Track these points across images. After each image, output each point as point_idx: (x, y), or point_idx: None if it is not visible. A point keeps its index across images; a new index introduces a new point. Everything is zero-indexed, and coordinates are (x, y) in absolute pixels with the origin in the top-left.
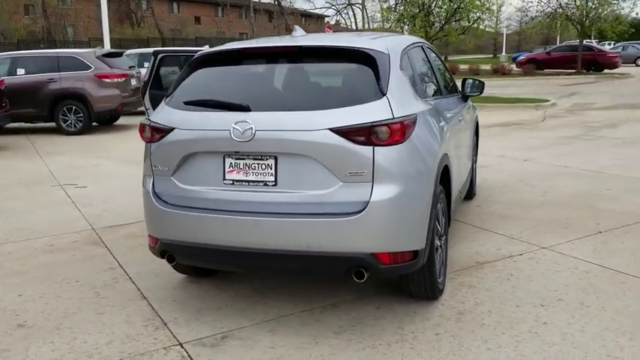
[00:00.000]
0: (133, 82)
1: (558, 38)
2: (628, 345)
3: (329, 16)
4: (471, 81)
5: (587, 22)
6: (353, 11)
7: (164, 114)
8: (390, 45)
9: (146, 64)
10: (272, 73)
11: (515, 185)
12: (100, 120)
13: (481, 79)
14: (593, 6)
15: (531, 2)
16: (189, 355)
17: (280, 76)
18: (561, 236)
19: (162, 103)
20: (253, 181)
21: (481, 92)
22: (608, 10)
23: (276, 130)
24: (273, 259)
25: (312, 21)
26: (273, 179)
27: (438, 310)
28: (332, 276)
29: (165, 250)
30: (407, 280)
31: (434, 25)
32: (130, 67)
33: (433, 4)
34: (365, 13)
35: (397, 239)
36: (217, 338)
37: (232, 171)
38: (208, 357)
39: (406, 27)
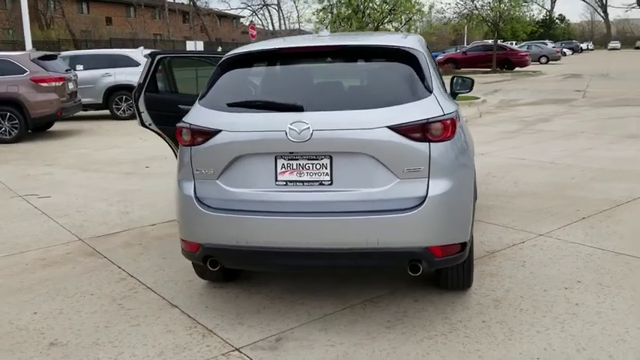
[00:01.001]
0: (70, 85)
1: (465, 39)
2: None
3: (244, 17)
4: (459, 79)
5: (502, 23)
6: (269, 12)
7: (204, 116)
8: (419, 43)
9: (79, 67)
10: (314, 73)
11: (485, 178)
12: (35, 127)
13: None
14: (506, 8)
15: (449, 4)
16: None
17: (323, 76)
18: (551, 223)
19: (197, 104)
20: (308, 181)
21: (470, 89)
22: (520, 11)
23: (333, 129)
24: (327, 258)
25: (227, 22)
26: (329, 178)
27: (473, 298)
28: (381, 272)
29: (209, 255)
30: (446, 271)
31: (368, 25)
32: (67, 70)
33: (365, 5)
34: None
35: (449, 232)
36: (272, 341)
37: (285, 172)
38: (279, 358)
39: (341, 28)
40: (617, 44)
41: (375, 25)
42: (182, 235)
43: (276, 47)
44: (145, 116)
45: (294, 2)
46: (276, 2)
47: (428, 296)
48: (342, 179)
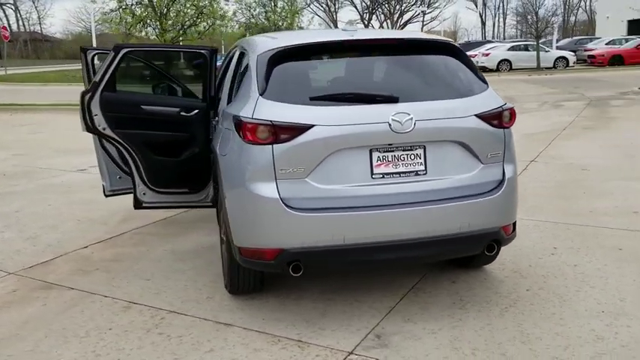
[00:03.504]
0: None
1: None
2: None
3: None
4: None
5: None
6: (4, 11)
7: (286, 111)
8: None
9: None
10: (377, 65)
11: None
12: None
13: None
14: (280, 18)
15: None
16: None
17: (386, 68)
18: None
19: (261, 99)
20: (404, 172)
21: None
22: (291, 20)
23: (432, 119)
24: (422, 248)
25: None
26: (424, 168)
27: (500, 271)
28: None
29: (294, 259)
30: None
31: (171, 30)
32: None
33: (169, 8)
34: (18, 14)
35: (513, 212)
36: (374, 339)
37: (381, 164)
38: (398, 355)
39: (149, 29)
40: None
41: (180, 28)
42: (254, 242)
43: (339, 39)
44: (99, 119)
45: (33, 2)
46: (12, 1)
47: (460, 276)
48: (435, 168)
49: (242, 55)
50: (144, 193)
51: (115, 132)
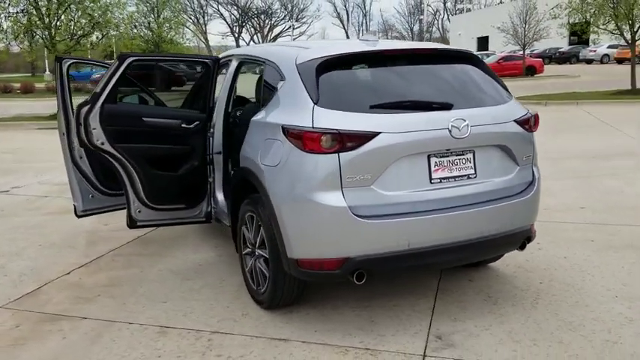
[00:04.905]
0: None
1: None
2: None
3: None
4: None
5: (163, 44)
6: None
7: (349, 119)
8: None
9: None
10: (418, 74)
11: None
12: None
13: None
14: (166, 30)
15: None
16: (453, 359)
17: (429, 76)
18: None
19: (318, 108)
20: (458, 176)
21: None
22: (177, 34)
23: (483, 124)
24: (476, 248)
25: None
26: (474, 171)
27: (505, 267)
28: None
29: (359, 267)
30: None
31: (64, 40)
32: None
33: (60, 18)
34: None
35: (538, 211)
36: (437, 340)
37: (438, 169)
38: (470, 352)
39: (38, 38)
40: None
41: (71, 39)
42: (317, 253)
43: (379, 49)
44: (97, 133)
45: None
46: None
47: (472, 274)
48: (483, 171)
49: (254, 65)
50: (139, 211)
51: (114, 147)
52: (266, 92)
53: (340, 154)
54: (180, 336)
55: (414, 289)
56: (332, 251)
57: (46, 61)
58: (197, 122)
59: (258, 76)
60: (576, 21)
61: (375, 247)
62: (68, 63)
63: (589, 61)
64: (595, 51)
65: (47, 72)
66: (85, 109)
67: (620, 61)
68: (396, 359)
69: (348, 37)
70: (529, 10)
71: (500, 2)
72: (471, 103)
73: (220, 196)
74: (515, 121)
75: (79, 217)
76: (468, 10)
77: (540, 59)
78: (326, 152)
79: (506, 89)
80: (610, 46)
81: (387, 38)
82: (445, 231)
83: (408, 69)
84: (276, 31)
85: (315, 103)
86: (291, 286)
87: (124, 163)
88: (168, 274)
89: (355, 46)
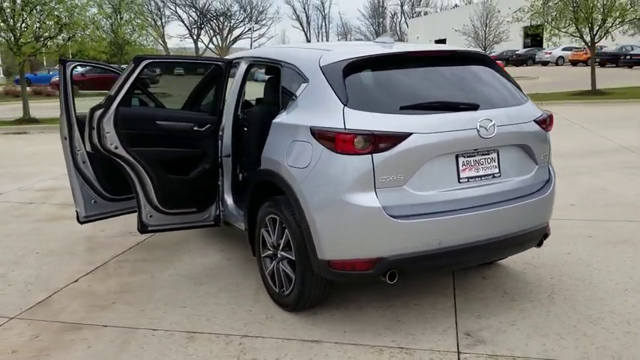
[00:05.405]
0: None
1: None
2: None
3: None
4: None
5: (127, 46)
6: None
7: (381, 120)
8: None
9: None
10: (441, 75)
11: None
12: None
13: None
14: (129, 31)
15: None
16: (488, 354)
17: (451, 77)
18: None
19: (348, 110)
20: (484, 176)
21: None
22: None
23: (507, 124)
24: (503, 245)
25: None
26: (498, 170)
27: (514, 264)
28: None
29: (392, 267)
30: None
31: (38, 40)
32: None
33: (25, 20)
34: None
35: (552, 209)
36: (467, 337)
37: (465, 169)
38: (502, 347)
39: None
40: (181, 70)
41: (37, 41)
42: (351, 253)
43: (403, 51)
44: (111, 137)
45: None
46: None
47: (484, 272)
48: (506, 170)
49: (267, 68)
50: (150, 216)
51: (128, 151)
52: (285, 94)
53: (374, 154)
54: (209, 341)
55: (432, 288)
56: (365, 251)
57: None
58: (209, 125)
59: (268, 78)
60: (538, 23)
61: (408, 246)
62: (72, 66)
63: (545, 63)
64: (550, 53)
65: (1, 75)
66: (99, 112)
67: (574, 63)
68: (433, 357)
69: (308, 40)
70: (489, 13)
71: (456, 6)
72: (494, 103)
73: (229, 199)
74: (534, 120)
75: (81, 223)
76: (426, 13)
77: (501, 61)
78: (359, 153)
79: (521, 90)
80: (565, 49)
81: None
82: (474, 229)
83: (431, 70)
84: (236, 33)
85: (344, 105)
86: (318, 288)
87: (136, 168)
88: (180, 279)
89: (374, 48)
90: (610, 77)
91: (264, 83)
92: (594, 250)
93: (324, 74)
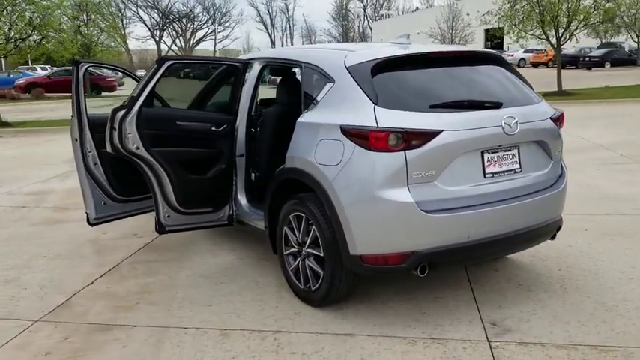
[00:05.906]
0: None
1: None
2: None
3: None
4: None
5: (95, 47)
6: None
7: (411, 118)
8: None
9: None
10: (462, 74)
11: None
12: None
13: None
14: (96, 34)
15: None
16: (517, 342)
17: (473, 76)
18: None
19: (379, 108)
20: (507, 171)
21: None
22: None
23: (528, 121)
24: (521, 239)
25: None
26: (519, 166)
27: (521, 257)
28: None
29: (424, 260)
30: None
31: (9, 41)
32: None
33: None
34: None
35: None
36: (493, 327)
37: (490, 165)
38: (529, 335)
39: None
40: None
41: (9, 41)
42: (384, 248)
43: (426, 52)
44: (133, 138)
45: None
46: None
47: (494, 265)
48: (526, 166)
49: (283, 68)
50: (168, 216)
51: (149, 151)
52: (307, 94)
53: (406, 151)
54: (244, 337)
55: (448, 281)
56: (398, 246)
57: None
58: (225, 125)
59: (282, 78)
60: (505, 26)
61: (439, 240)
62: (85, 67)
63: None
64: (512, 55)
65: None
66: (121, 113)
67: (535, 64)
68: (466, 346)
69: (272, 42)
70: (455, 16)
71: (417, 9)
72: (514, 101)
73: (242, 198)
74: (550, 118)
75: (91, 225)
76: (389, 16)
77: None
78: (392, 150)
79: (533, 89)
80: (526, 51)
81: (311, 43)
82: (499, 223)
83: (452, 70)
84: (199, 34)
85: (375, 104)
86: (347, 282)
87: (155, 168)
88: (199, 278)
89: (395, 49)
90: (572, 78)
91: (266, 84)
92: (593, 242)
93: (350, 74)
